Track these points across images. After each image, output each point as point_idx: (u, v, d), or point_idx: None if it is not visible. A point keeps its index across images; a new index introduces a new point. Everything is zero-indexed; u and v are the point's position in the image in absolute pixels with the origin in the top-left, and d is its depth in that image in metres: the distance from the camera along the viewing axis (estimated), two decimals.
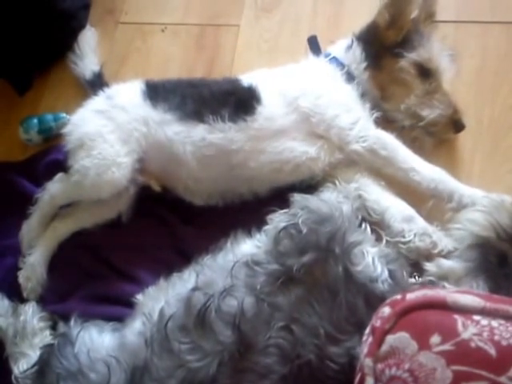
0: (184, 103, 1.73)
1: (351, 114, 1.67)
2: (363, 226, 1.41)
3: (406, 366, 0.96)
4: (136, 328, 1.40)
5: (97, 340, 1.42)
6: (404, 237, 1.50)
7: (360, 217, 1.45)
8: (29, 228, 1.86)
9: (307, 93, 1.70)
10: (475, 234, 1.36)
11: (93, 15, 2.32)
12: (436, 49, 1.74)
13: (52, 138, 2.08)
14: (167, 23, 2.25)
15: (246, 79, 1.77)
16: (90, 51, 2.16)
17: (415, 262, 1.46)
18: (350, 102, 1.71)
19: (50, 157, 1.99)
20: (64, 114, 2.07)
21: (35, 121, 2.08)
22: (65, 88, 2.19)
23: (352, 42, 1.80)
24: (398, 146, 1.65)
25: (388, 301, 1.08)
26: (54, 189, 1.84)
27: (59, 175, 1.85)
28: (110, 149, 1.72)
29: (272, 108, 1.70)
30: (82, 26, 2.23)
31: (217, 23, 2.19)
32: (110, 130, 1.75)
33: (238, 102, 1.70)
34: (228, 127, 1.68)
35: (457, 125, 1.73)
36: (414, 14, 1.73)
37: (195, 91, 1.75)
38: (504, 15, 1.93)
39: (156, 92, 1.77)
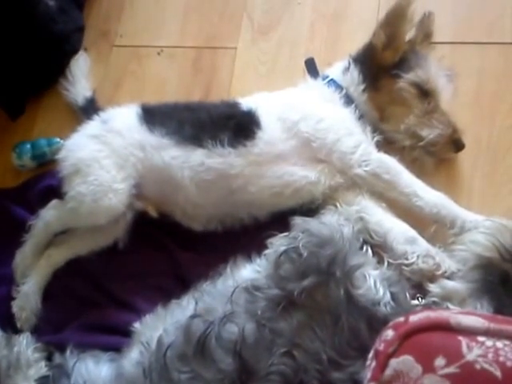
0: (181, 127, 1.71)
1: (352, 138, 1.67)
2: (364, 248, 1.40)
3: None
4: (134, 358, 1.38)
5: (93, 371, 1.41)
6: (407, 259, 1.49)
7: (361, 239, 1.45)
8: (22, 256, 1.83)
9: (307, 117, 1.69)
10: (478, 254, 1.35)
11: (87, 38, 2.30)
12: (433, 69, 1.74)
13: (46, 164, 2.06)
14: (163, 46, 2.23)
15: (245, 103, 1.76)
16: (82, 77, 2.14)
17: (418, 283, 1.44)
18: (350, 125, 1.70)
19: (43, 183, 1.97)
20: (58, 139, 2.04)
21: (28, 146, 2.06)
22: (58, 112, 2.18)
23: (349, 63, 1.79)
24: (401, 171, 1.64)
25: (391, 323, 1.06)
26: (49, 216, 1.81)
27: (53, 202, 1.83)
28: (106, 174, 1.70)
29: (272, 133, 1.69)
30: (75, 50, 2.22)
31: (213, 46, 2.18)
32: (106, 155, 1.73)
33: (237, 126, 1.69)
34: (227, 152, 1.66)
35: (456, 144, 1.73)
36: (411, 34, 1.75)
37: (193, 115, 1.74)
38: (500, 36, 1.92)
39: (152, 116, 1.76)
